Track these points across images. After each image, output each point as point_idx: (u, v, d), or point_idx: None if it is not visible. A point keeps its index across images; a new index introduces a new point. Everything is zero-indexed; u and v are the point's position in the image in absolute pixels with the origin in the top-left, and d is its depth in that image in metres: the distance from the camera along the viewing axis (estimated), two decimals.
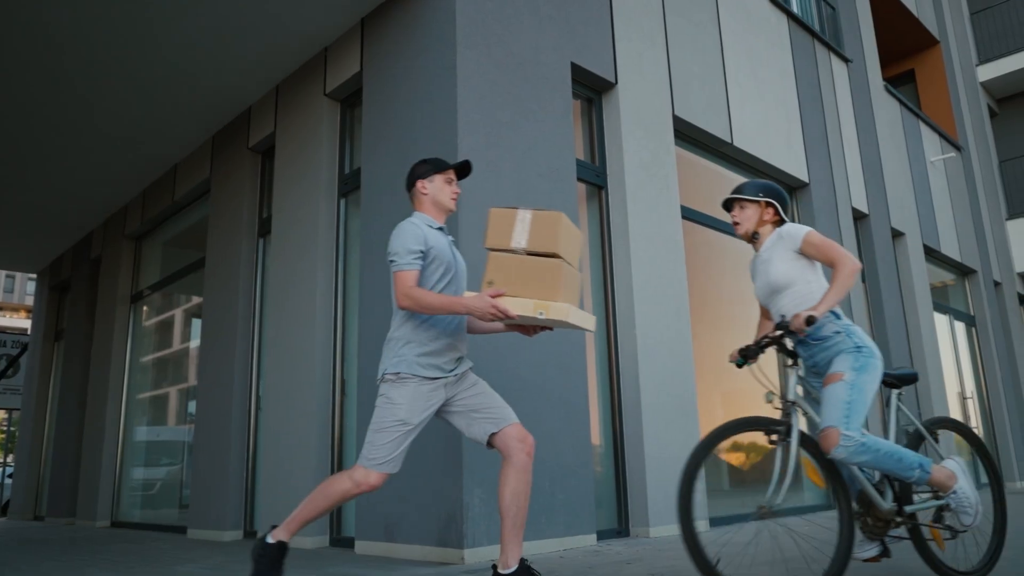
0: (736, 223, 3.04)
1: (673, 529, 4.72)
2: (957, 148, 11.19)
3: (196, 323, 7.10)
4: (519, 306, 2.65)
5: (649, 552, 3.92)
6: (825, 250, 2.80)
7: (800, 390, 2.82)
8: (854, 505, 2.83)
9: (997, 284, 11.55)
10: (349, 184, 5.20)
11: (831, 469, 2.70)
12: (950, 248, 9.97)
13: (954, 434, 9.10)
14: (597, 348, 4.94)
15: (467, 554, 3.62)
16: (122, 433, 7.73)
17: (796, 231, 2.89)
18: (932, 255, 9.69)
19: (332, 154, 5.30)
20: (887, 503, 2.77)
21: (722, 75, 6.38)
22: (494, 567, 2.79)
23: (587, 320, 2.79)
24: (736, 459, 5.91)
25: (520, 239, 2.70)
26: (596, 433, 4.77)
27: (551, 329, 2.82)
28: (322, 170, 5.22)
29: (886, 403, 2.96)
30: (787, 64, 7.39)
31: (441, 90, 4.29)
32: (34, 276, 31.90)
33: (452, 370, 2.85)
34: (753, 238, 3.03)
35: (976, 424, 9.89)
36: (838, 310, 2.80)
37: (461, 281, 2.99)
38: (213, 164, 6.65)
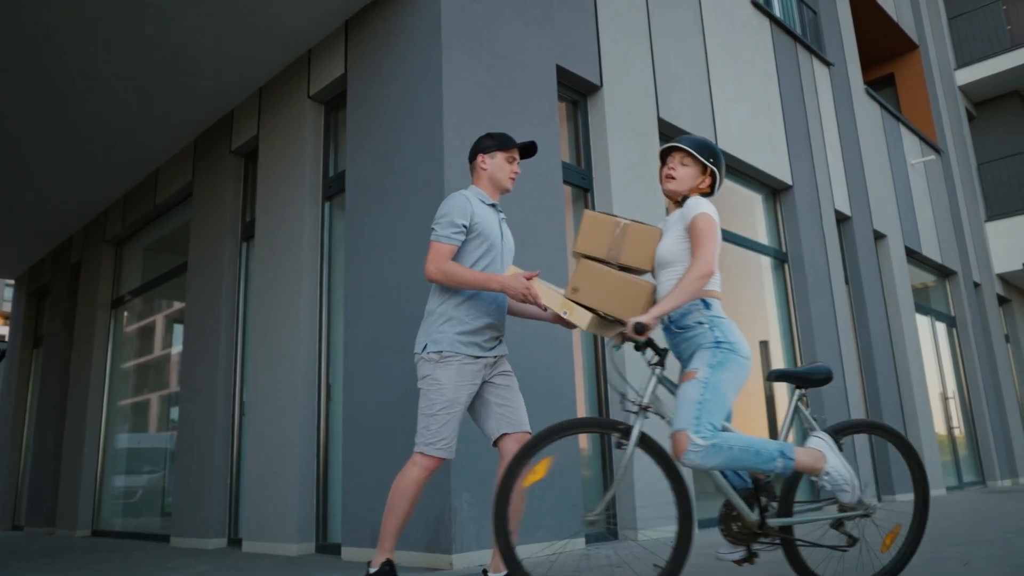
0: (670, 176, 2.70)
1: (662, 532, 4.72)
2: (936, 151, 11.33)
3: (178, 328, 7.01)
4: (548, 298, 2.64)
5: (638, 556, 3.91)
6: (696, 241, 2.55)
7: (663, 392, 2.67)
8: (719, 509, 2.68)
9: (977, 285, 11.68)
10: (334, 187, 5.16)
11: (675, 476, 2.45)
12: (931, 250, 10.08)
13: (946, 432, 9.19)
14: (584, 349, 4.93)
15: (456, 559, 3.59)
16: (103, 440, 7.62)
17: (694, 207, 2.61)
18: (913, 257, 9.79)
19: (316, 157, 5.26)
20: (753, 515, 2.55)
21: (706, 78, 6.41)
22: (484, 572, 2.76)
23: (615, 329, 2.73)
24: None
25: (615, 251, 2.66)
26: (583, 436, 4.76)
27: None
28: (306, 173, 5.18)
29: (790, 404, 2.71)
30: (770, 67, 7.44)
31: (427, 92, 4.27)
32: (12, 282, 31.48)
33: (492, 348, 2.80)
34: (680, 202, 2.74)
35: (957, 424, 9.99)
36: (711, 300, 2.55)
37: (506, 260, 2.93)
38: (195, 167, 6.58)
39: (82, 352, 7.99)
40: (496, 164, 2.91)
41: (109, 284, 8.04)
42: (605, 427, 2.48)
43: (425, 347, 2.74)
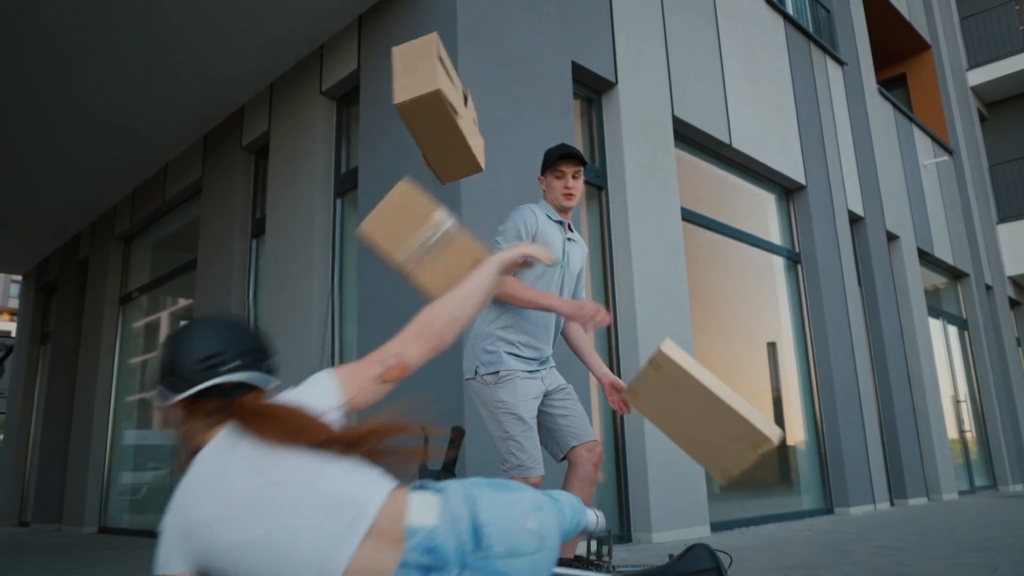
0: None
1: (677, 534, 4.66)
2: (949, 152, 11.24)
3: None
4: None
5: (653, 558, 3.85)
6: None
7: None
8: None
9: (989, 288, 11.59)
10: (345, 184, 5.12)
11: None
12: (943, 251, 9.99)
13: (954, 438, 9.10)
14: (598, 350, 4.86)
15: None
16: (110, 436, 7.60)
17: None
18: (925, 258, 9.71)
19: (328, 153, 5.21)
20: None
21: (720, 76, 6.34)
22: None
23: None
24: None
25: (415, 257, 2.00)
26: (597, 437, 4.70)
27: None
28: (317, 169, 5.14)
29: None
30: (783, 66, 7.37)
31: None
32: (19, 278, 31.53)
33: (544, 362, 2.71)
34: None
35: (969, 428, 9.91)
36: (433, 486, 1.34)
37: (567, 283, 2.77)
38: (205, 164, 6.55)
39: (90, 349, 7.96)
40: (548, 183, 2.79)
41: (117, 280, 8.01)
42: None
43: (476, 370, 2.62)
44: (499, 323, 2.65)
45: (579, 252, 2.85)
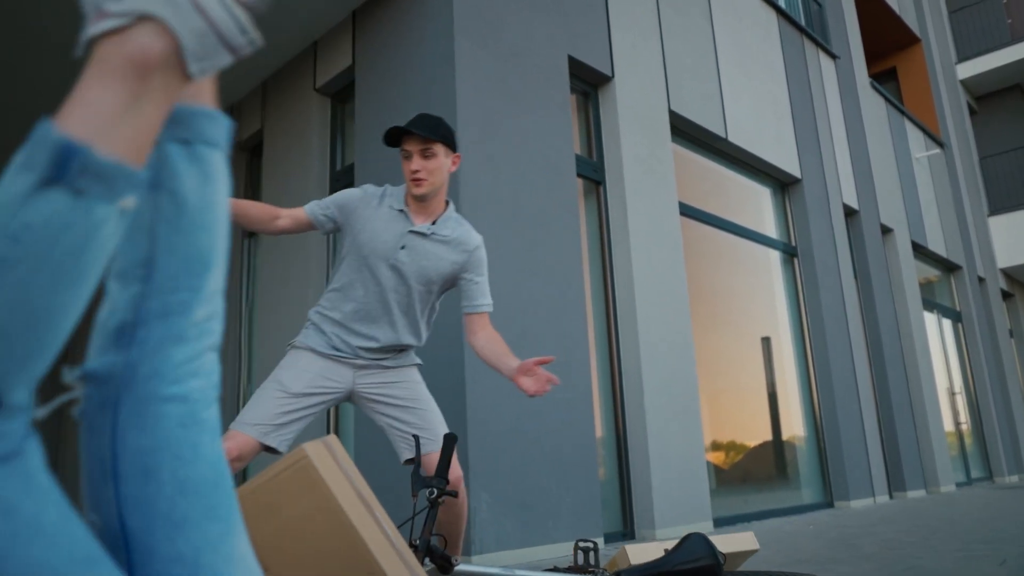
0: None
1: (680, 531, 4.63)
2: (940, 145, 11.27)
3: None
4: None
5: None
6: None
7: None
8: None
9: (981, 280, 11.64)
10: (341, 181, 5.06)
11: None
12: (936, 244, 10.02)
13: (951, 432, 9.13)
14: (598, 347, 4.84)
15: (475, 560, 3.49)
16: None
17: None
18: (919, 251, 9.73)
19: (323, 151, 5.15)
20: None
21: (715, 70, 6.32)
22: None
23: None
24: (717, 459, 5.84)
25: None
26: (599, 433, 4.67)
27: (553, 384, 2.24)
28: (313, 167, 5.07)
29: None
30: (777, 59, 7.35)
31: (438, 83, 4.17)
32: None
33: (365, 353, 2.24)
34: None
35: (964, 420, 9.95)
36: None
37: (399, 290, 2.24)
38: None
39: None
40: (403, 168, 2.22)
41: None
42: None
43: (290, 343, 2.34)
44: (325, 302, 2.31)
45: (432, 256, 2.23)
